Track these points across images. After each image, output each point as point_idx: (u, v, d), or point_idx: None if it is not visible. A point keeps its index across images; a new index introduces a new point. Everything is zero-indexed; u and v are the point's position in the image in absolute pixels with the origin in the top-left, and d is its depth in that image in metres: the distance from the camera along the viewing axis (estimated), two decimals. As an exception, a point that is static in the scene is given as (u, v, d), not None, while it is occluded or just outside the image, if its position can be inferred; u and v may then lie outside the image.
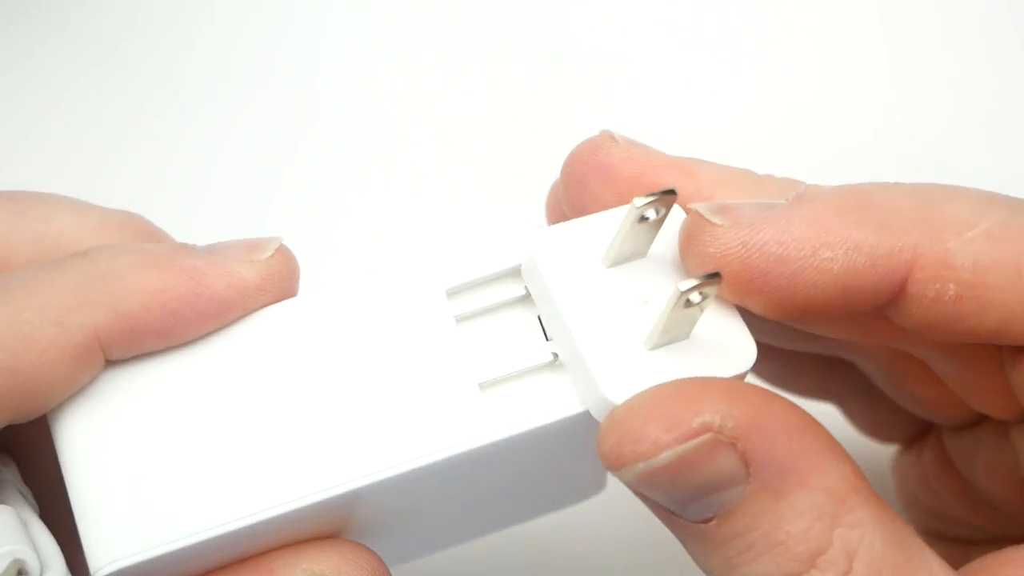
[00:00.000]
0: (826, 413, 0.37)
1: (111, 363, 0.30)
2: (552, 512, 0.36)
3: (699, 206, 0.30)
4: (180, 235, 0.35)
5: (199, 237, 0.34)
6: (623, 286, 0.30)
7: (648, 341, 0.29)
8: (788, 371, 0.37)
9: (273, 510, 0.28)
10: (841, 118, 0.49)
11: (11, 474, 0.30)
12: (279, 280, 0.31)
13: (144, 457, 0.29)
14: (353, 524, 0.30)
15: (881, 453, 0.39)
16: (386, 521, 0.31)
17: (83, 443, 0.29)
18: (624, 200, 0.31)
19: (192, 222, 0.43)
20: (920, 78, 0.50)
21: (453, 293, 0.30)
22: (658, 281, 0.30)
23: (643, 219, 0.29)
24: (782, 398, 0.29)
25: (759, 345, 0.30)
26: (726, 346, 0.29)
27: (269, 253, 0.31)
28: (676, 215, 0.31)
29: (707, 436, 0.28)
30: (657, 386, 0.28)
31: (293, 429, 0.29)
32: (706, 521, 0.28)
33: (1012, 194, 0.43)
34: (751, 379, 0.35)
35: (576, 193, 0.32)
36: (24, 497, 0.30)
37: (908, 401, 0.35)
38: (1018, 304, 0.29)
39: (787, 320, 0.30)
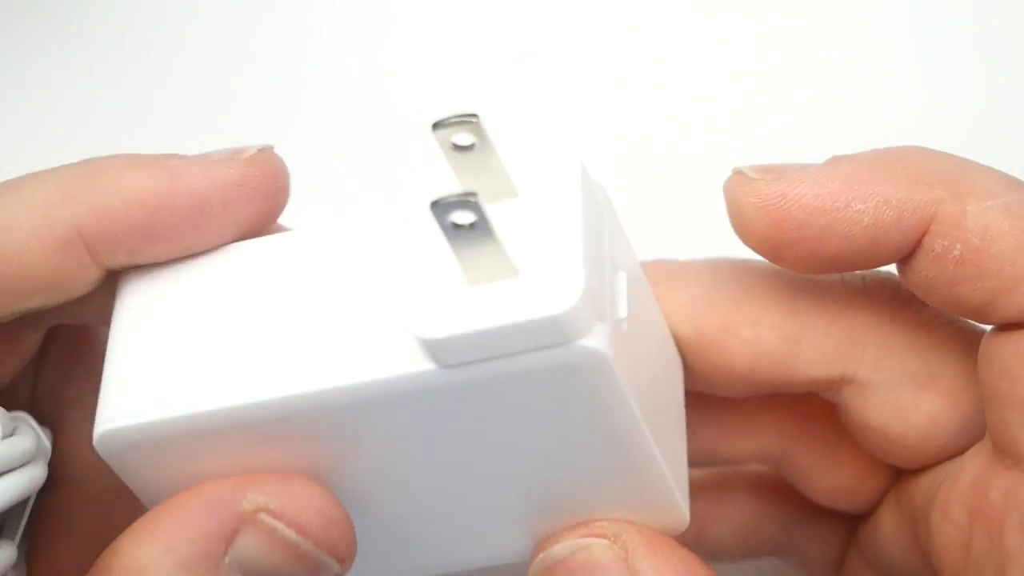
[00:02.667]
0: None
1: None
2: None
3: (742, 166, 0.31)
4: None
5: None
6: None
7: (467, 277, 0.28)
8: (736, 423, 0.36)
9: (235, 401, 0.29)
10: (844, 118, 0.49)
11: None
12: (260, 178, 0.31)
13: (162, 348, 0.30)
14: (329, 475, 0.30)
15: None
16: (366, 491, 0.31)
17: (129, 322, 0.31)
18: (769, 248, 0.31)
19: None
20: (921, 77, 0.50)
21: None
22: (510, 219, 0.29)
23: (456, 147, 0.28)
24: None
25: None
26: (552, 284, 0.27)
27: (252, 152, 0.31)
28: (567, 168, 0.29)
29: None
30: None
31: (268, 339, 0.30)
32: None
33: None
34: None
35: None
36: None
37: (820, 491, 0.36)
38: (1012, 281, 0.30)
39: (813, 273, 0.32)
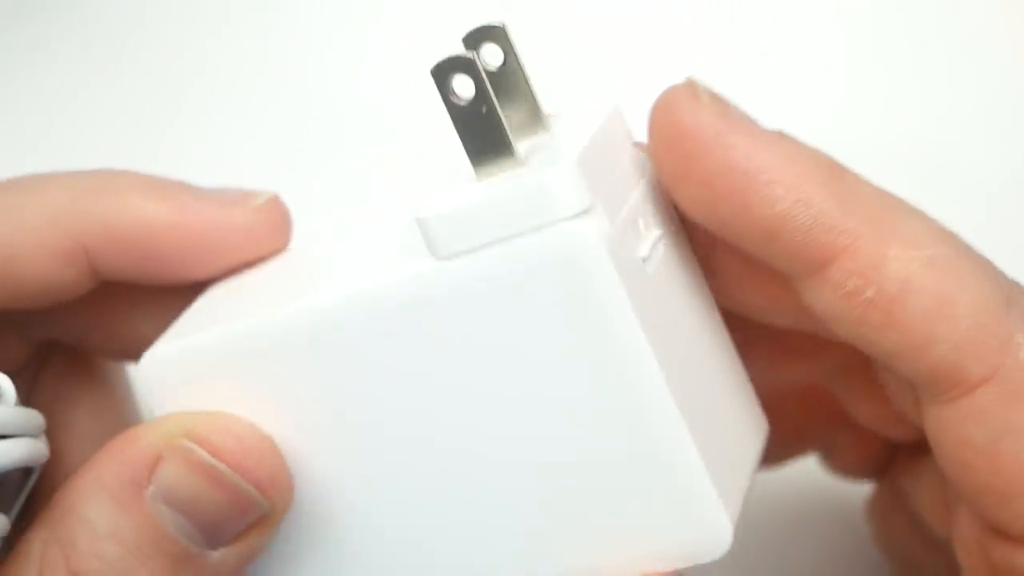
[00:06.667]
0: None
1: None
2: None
3: (698, 81, 0.29)
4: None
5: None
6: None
7: (476, 173, 0.28)
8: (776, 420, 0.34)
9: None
10: (843, 118, 0.49)
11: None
12: (264, 226, 0.32)
13: (209, 311, 0.31)
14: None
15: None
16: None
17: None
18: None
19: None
20: (917, 77, 0.50)
21: None
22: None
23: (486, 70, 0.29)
24: None
25: None
26: (546, 167, 0.27)
27: (261, 201, 0.32)
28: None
29: None
30: None
31: (295, 280, 0.31)
32: None
33: (1012, 195, 0.43)
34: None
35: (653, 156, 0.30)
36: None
37: (862, 416, 0.34)
38: (921, 338, 0.28)
39: (703, 222, 0.29)
